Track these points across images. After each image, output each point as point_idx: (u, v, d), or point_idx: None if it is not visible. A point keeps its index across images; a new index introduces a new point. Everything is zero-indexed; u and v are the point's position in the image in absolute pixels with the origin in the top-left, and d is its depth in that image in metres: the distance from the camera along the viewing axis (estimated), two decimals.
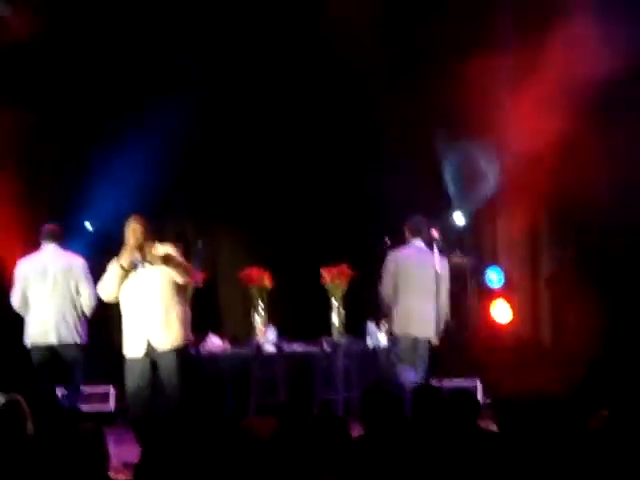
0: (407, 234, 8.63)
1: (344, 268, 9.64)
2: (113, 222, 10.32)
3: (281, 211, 10.79)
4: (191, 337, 7.87)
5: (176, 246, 7.75)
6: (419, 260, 8.51)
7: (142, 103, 9.91)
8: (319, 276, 9.77)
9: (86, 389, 9.53)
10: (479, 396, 9.76)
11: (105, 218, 10.36)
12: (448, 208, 10.19)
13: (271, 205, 10.79)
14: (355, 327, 9.86)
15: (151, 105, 9.72)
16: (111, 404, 10.00)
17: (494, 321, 10.22)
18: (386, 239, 9.07)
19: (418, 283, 8.46)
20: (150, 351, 7.53)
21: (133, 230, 7.57)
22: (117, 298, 7.66)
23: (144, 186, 9.77)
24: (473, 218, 10.25)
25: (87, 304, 8.43)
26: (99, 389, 9.97)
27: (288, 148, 10.69)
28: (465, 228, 10.27)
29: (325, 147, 10.57)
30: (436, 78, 9.46)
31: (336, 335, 9.69)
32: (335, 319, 9.74)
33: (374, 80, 9.93)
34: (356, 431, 5.53)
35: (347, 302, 9.71)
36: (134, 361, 7.58)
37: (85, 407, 9.27)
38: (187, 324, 7.69)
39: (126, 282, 7.59)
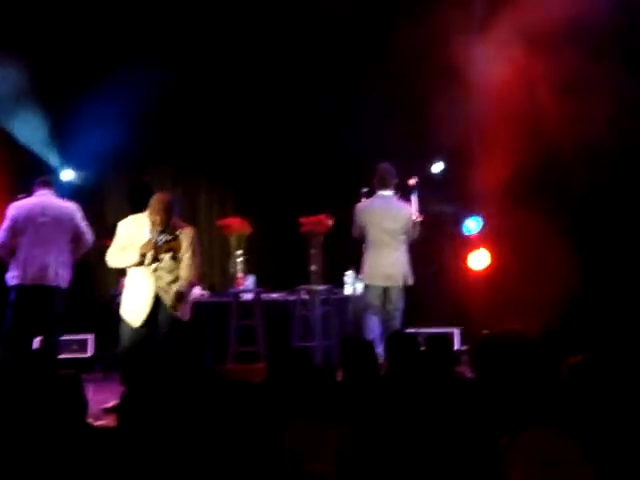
0: (374, 184, 8.85)
1: (323, 217, 9.64)
2: (93, 173, 10.41)
3: (261, 160, 10.79)
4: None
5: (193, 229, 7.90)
6: (383, 210, 8.69)
7: (124, 55, 9.87)
8: (298, 225, 9.77)
9: (65, 337, 9.56)
10: (456, 343, 9.87)
11: (86, 169, 10.37)
12: (429, 156, 10.22)
13: (251, 154, 10.78)
14: (334, 277, 9.91)
15: (133, 57, 9.69)
16: (89, 351, 10.03)
17: (471, 269, 10.27)
18: (362, 190, 9.12)
19: (383, 233, 8.69)
20: (152, 315, 7.65)
21: (159, 210, 7.63)
22: None
23: (124, 137, 9.75)
24: (452, 166, 10.26)
25: (86, 246, 8.53)
26: (78, 337, 9.99)
27: (267, 97, 10.66)
28: (444, 176, 10.28)
29: (304, 94, 10.53)
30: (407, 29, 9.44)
31: (314, 284, 9.72)
32: (313, 268, 9.75)
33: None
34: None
35: (326, 252, 9.73)
36: (134, 327, 7.71)
37: (63, 354, 9.32)
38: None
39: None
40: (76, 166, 10.40)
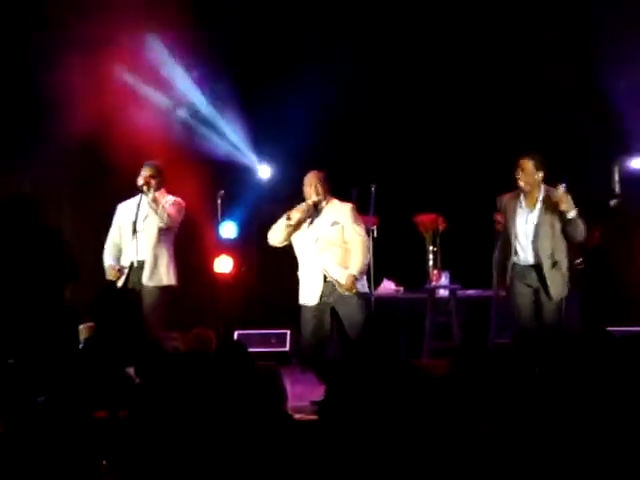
0: None
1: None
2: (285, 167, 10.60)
3: (455, 156, 10.70)
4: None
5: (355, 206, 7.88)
6: None
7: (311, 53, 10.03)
8: (493, 222, 9.67)
9: (264, 330, 9.80)
10: None
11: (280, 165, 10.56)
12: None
13: (445, 149, 10.70)
14: None
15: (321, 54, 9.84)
16: (287, 345, 10.20)
17: None
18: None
19: None
20: (326, 298, 7.65)
21: (313, 184, 7.70)
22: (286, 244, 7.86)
23: (315, 132, 9.86)
24: None
25: None
26: (276, 331, 10.18)
27: (459, 91, 10.58)
28: None
29: (497, 88, 10.42)
30: None
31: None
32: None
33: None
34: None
35: None
36: (309, 308, 7.73)
37: (262, 348, 9.53)
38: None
39: (299, 232, 7.73)
40: (271, 162, 10.62)
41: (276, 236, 7.85)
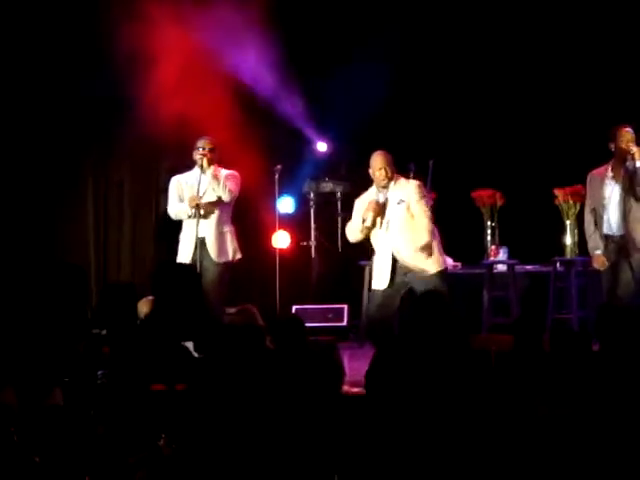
0: None
1: (579, 188, 9.42)
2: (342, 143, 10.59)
3: (513, 129, 10.60)
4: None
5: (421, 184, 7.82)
6: None
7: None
8: (552, 196, 9.60)
9: (322, 306, 9.83)
10: None
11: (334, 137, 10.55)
12: None
13: (503, 124, 10.61)
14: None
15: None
16: (344, 320, 10.21)
17: None
18: None
19: None
20: (400, 278, 7.62)
21: (382, 166, 7.62)
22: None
23: (371, 107, 9.83)
24: None
25: None
26: (334, 306, 10.19)
27: (517, 66, 10.48)
28: None
29: (559, 66, 10.31)
30: None
31: (569, 255, 9.54)
32: (568, 239, 9.57)
33: None
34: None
35: (581, 222, 9.50)
36: (378, 293, 7.70)
37: (320, 323, 9.57)
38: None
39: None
40: (329, 138, 10.62)
41: (355, 236, 7.84)
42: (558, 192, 9.55)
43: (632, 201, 7.85)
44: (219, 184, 8.30)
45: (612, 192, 7.94)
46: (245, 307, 6.75)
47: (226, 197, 8.33)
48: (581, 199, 9.34)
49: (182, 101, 9.33)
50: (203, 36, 9.76)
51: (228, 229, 8.46)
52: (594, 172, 8.15)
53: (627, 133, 7.87)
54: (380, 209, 7.61)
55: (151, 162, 10.70)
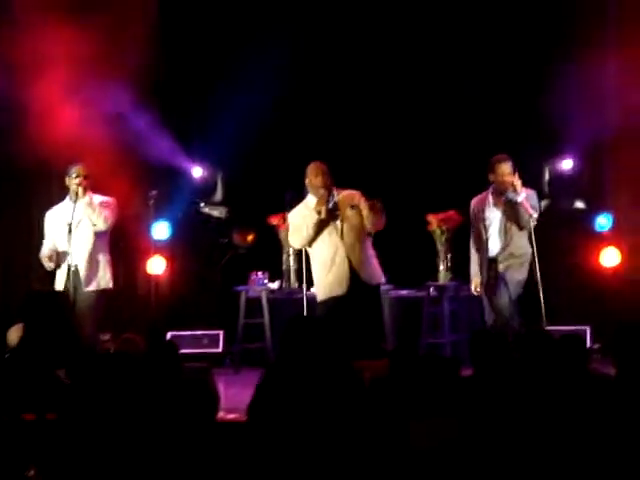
0: None
1: (452, 214, 9.58)
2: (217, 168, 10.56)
3: (386, 157, 10.70)
4: None
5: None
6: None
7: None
8: (426, 222, 9.73)
9: (197, 332, 9.75)
10: (588, 342, 9.67)
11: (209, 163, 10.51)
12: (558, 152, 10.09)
13: (376, 150, 10.70)
14: (463, 272, 9.84)
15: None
16: (220, 347, 10.16)
17: (603, 266, 10.04)
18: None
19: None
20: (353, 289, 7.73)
21: (322, 173, 7.79)
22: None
23: (246, 134, 9.85)
24: (582, 161, 10.10)
25: None
26: (209, 332, 10.13)
27: (390, 92, 10.59)
28: (574, 172, 10.13)
29: (427, 88, 10.45)
30: None
31: (442, 280, 9.68)
32: (441, 265, 9.71)
33: None
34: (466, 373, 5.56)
35: (454, 248, 9.66)
36: (336, 299, 7.76)
37: (195, 349, 9.50)
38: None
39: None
40: (203, 163, 10.57)
41: (306, 237, 7.84)
42: (431, 218, 9.69)
43: (514, 229, 8.11)
44: (94, 212, 8.21)
45: (494, 219, 8.20)
46: (128, 336, 6.68)
47: (102, 226, 8.27)
48: (454, 224, 9.53)
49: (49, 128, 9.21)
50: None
51: (103, 257, 8.39)
52: (475, 200, 8.35)
53: (506, 166, 8.04)
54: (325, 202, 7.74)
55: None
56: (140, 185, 9.75)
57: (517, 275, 8.15)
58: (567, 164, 10.15)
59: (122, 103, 9.62)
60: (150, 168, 10.12)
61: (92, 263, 8.31)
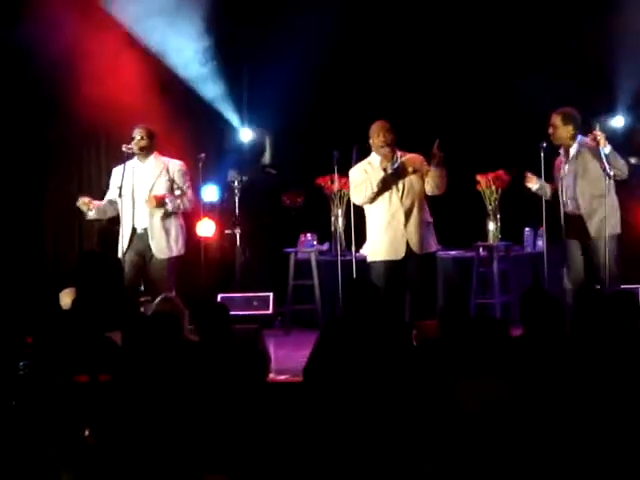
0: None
1: (501, 173, 9.52)
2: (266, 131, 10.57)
3: (435, 118, 10.64)
4: None
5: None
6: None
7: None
8: (475, 181, 9.68)
9: (247, 294, 9.80)
10: None
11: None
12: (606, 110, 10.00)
13: (424, 110, 10.64)
14: (514, 234, 9.81)
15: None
16: (270, 308, 10.20)
17: None
18: (542, 144, 8.79)
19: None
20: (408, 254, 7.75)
21: (385, 131, 7.84)
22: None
23: (299, 94, 9.83)
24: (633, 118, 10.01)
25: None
26: (259, 294, 10.17)
27: (440, 51, 10.52)
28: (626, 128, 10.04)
29: (475, 50, 10.37)
30: None
31: (492, 241, 9.64)
32: (491, 225, 9.67)
33: None
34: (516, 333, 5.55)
35: (504, 209, 9.61)
36: (390, 263, 7.75)
37: (245, 311, 9.54)
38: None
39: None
40: (253, 126, 10.58)
41: (369, 194, 7.83)
42: (480, 178, 9.63)
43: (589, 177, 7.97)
44: (180, 204, 8.25)
45: (566, 172, 8.05)
46: (168, 296, 6.71)
47: (189, 208, 8.37)
48: (503, 184, 9.47)
49: (102, 94, 9.27)
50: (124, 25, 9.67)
51: (175, 222, 8.36)
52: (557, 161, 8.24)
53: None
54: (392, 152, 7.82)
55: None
56: (189, 148, 9.75)
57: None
58: (618, 121, 10.04)
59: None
60: (199, 131, 10.14)
61: (166, 230, 8.25)
